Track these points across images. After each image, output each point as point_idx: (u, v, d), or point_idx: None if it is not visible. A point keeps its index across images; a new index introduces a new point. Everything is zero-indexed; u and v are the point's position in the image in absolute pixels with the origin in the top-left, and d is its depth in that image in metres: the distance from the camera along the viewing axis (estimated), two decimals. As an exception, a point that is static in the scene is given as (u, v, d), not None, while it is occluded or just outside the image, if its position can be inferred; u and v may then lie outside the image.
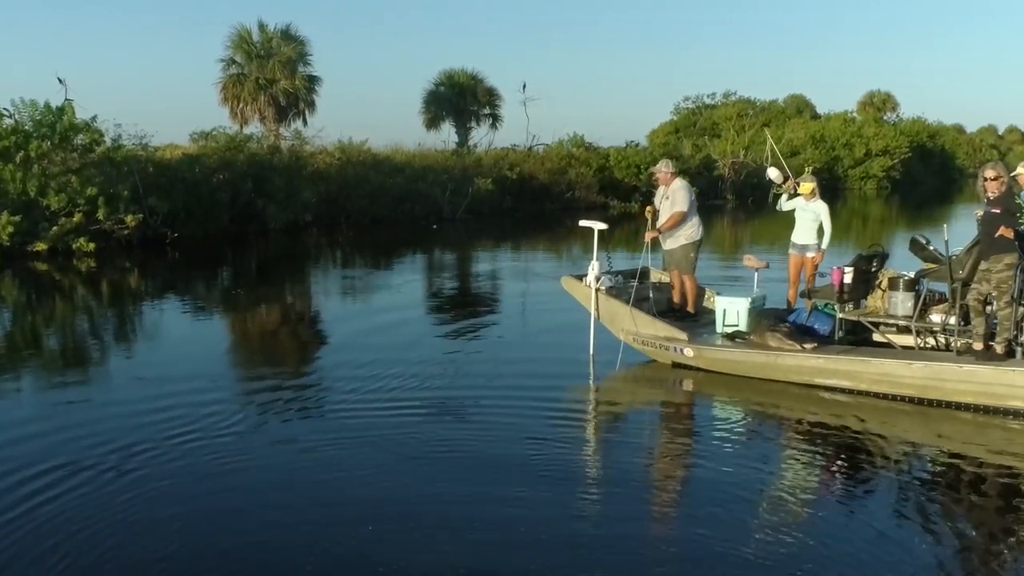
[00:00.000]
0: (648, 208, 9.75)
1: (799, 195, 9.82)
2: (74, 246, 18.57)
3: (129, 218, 19.46)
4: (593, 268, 9.35)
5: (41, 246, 18.34)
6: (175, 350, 10.34)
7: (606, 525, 5.24)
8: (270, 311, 13.38)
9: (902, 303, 8.14)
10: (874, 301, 8.63)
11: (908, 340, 8.20)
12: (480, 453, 6.52)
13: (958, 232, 8.10)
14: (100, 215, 18.99)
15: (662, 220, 9.48)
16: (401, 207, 27.90)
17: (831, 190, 48.67)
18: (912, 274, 8.26)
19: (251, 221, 23.68)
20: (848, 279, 8.39)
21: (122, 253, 19.32)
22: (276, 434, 6.99)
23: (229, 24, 52.84)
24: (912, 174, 55.42)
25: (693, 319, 9.46)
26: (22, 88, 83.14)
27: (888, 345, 8.32)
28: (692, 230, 9.51)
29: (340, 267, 19.56)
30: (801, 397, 7.92)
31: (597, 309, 9.32)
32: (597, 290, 9.28)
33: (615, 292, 9.41)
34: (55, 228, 18.41)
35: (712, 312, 9.39)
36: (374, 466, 6.20)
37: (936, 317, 8.02)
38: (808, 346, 8.18)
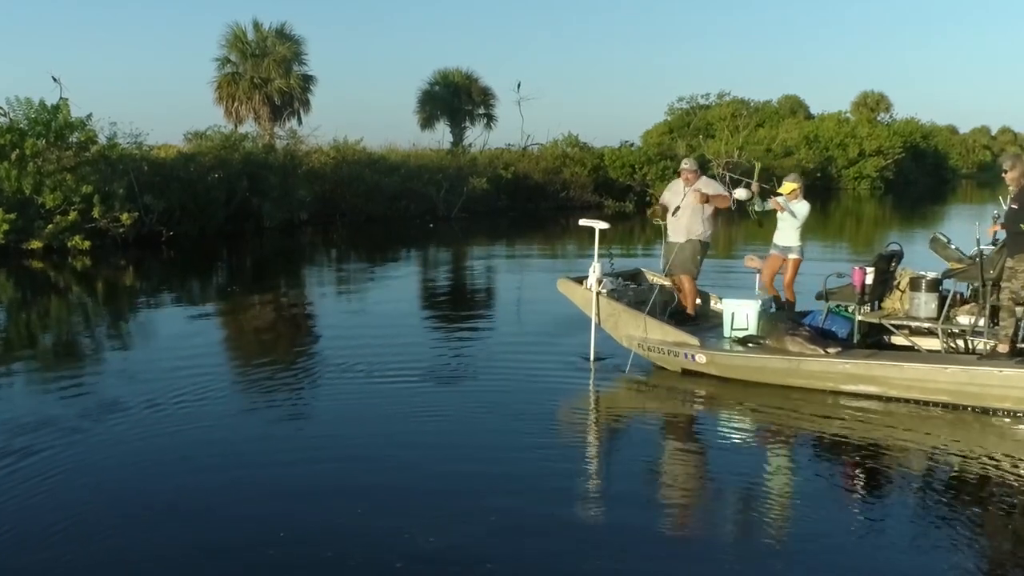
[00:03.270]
0: (655, 209, 9.13)
1: (779, 194, 9.29)
2: (69, 244, 18.56)
3: (124, 216, 19.44)
4: (595, 270, 8.75)
5: (36, 244, 18.33)
6: (167, 344, 10.38)
7: (606, 550, 4.86)
8: (264, 307, 13.40)
9: (925, 304, 7.74)
10: (892, 302, 8.19)
11: (930, 342, 7.86)
12: (467, 463, 6.18)
13: (958, 230, 7.94)
14: (95, 213, 18.97)
15: (687, 211, 8.96)
16: (396, 206, 27.96)
17: (825, 190, 48.84)
18: (930, 274, 7.91)
19: (246, 219, 23.69)
20: (870, 280, 7.95)
21: (117, 251, 19.31)
22: (255, 407, 7.44)
23: (224, 23, 52.79)
24: (905, 174, 55.63)
25: (693, 323, 8.92)
26: (17, 87, 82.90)
27: (911, 348, 7.99)
28: (704, 229, 9.03)
29: (335, 264, 19.60)
30: (820, 403, 7.49)
31: (598, 314, 8.74)
32: (599, 294, 8.70)
33: (616, 295, 8.86)
34: (50, 226, 18.40)
35: (713, 316, 9.02)
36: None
37: (963, 318, 7.63)
38: (832, 350, 7.72)
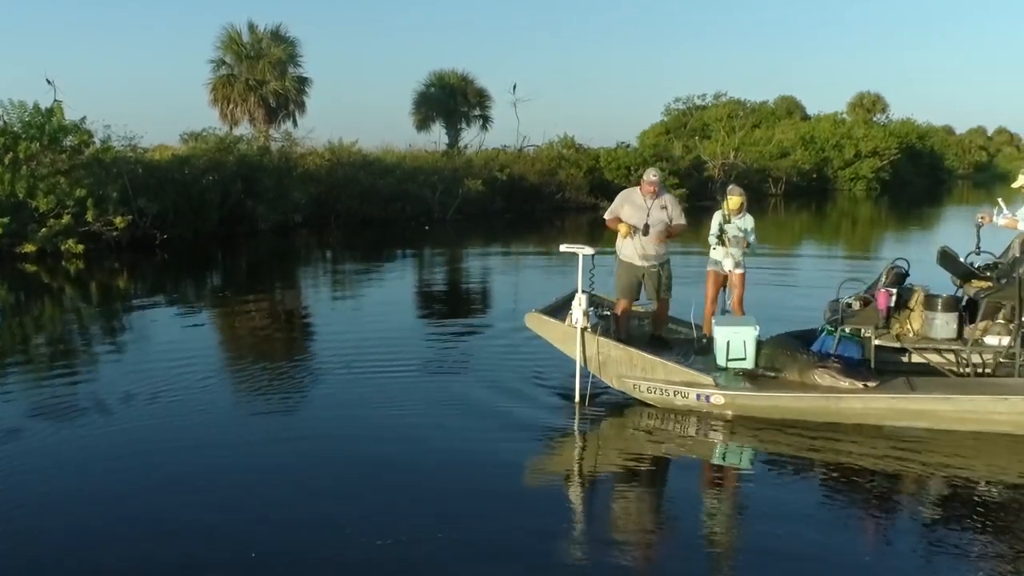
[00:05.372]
0: (626, 227, 8.04)
1: (720, 210, 8.60)
2: (63, 247, 18.52)
3: (118, 219, 19.40)
4: (579, 303, 7.61)
5: (30, 247, 18.29)
6: (158, 347, 10.35)
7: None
8: (258, 311, 13.34)
9: (946, 325, 7.18)
10: (902, 323, 7.48)
11: (931, 357, 7.40)
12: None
13: (955, 231, 7.75)
14: (89, 216, 18.95)
15: (656, 229, 8.02)
16: (391, 208, 27.91)
17: (821, 191, 48.90)
18: (935, 291, 7.47)
19: (241, 222, 23.66)
20: (893, 302, 7.40)
21: (111, 255, 19.28)
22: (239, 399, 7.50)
23: (219, 24, 52.68)
24: (901, 175, 55.65)
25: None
26: (11, 89, 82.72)
27: (938, 372, 7.37)
28: (667, 248, 8.27)
29: (329, 267, 19.55)
30: (833, 430, 6.85)
31: (584, 354, 7.62)
32: (583, 330, 7.59)
33: (601, 329, 7.75)
34: (44, 229, 18.35)
35: (682, 342, 8.25)
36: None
37: (992, 339, 7.10)
38: (872, 383, 6.98)
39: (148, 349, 10.38)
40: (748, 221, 8.70)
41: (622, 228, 8.04)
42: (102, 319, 13.03)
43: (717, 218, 8.60)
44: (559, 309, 8.06)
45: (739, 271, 8.62)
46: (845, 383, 6.96)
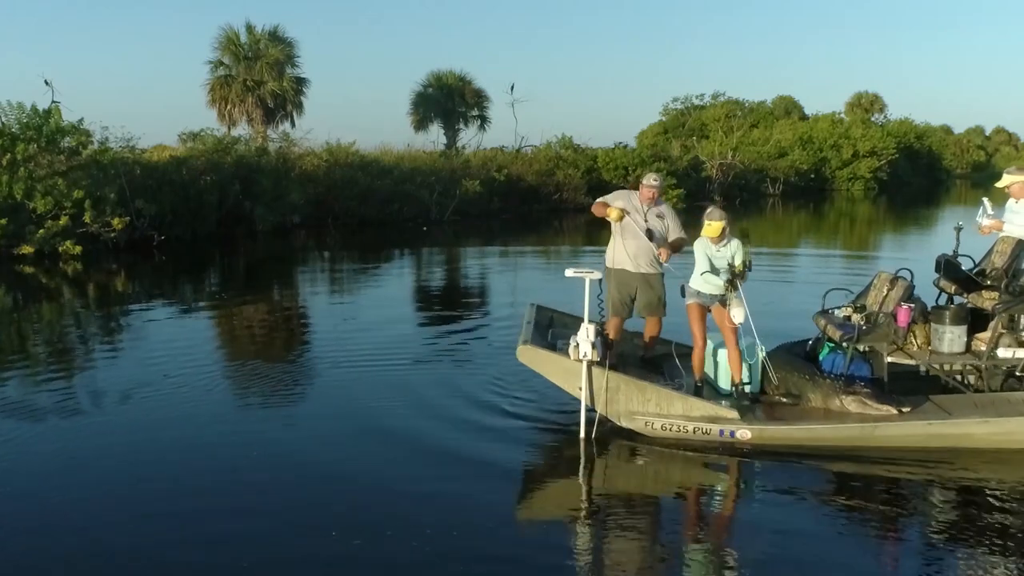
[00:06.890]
0: (616, 211, 7.28)
1: (703, 238, 7.02)
2: (60, 249, 18.52)
3: (116, 221, 19.41)
4: (588, 333, 6.76)
5: (27, 249, 18.30)
6: (152, 349, 10.37)
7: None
8: (255, 313, 13.33)
9: (958, 338, 6.93)
10: (906, 338, 7.14)
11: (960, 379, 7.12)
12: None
13: (947, 236, 7.48)
14: (87, 218, 18.97)
15: (658, 242, 7.38)
16: (389, 209, 27.92)
17: (819, 191, 48.91)
18: (927, 302, 7.23)
19: (239, 223, 23.69)
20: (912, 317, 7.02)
21: (109, 256, 19.29)
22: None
23: (217, 25, 52.68)
24: (899, 175, 55.69)
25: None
26: (8, 91, 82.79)
27: (951, 388, 7.07)
28: None
29: (326, 268, 19.52)
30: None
31: (590, 390, 6.82)
32: (592, 363, 6.78)
33: (605, 361, 6.89)
34: (41, 231, 18.36)
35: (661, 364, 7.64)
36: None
37: (1005, 352, 6.87)
38: (905, 409, 6.61)
39: (142, 351, 10.37)
40: (735, 246, 7.04)
41: (612, 212, 7.24)
42: (98, 320, 13.02)
43: (703, 248, 7.03)
44: (540, 337, 7.36)
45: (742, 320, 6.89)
46: (880, 410, 6.59)
